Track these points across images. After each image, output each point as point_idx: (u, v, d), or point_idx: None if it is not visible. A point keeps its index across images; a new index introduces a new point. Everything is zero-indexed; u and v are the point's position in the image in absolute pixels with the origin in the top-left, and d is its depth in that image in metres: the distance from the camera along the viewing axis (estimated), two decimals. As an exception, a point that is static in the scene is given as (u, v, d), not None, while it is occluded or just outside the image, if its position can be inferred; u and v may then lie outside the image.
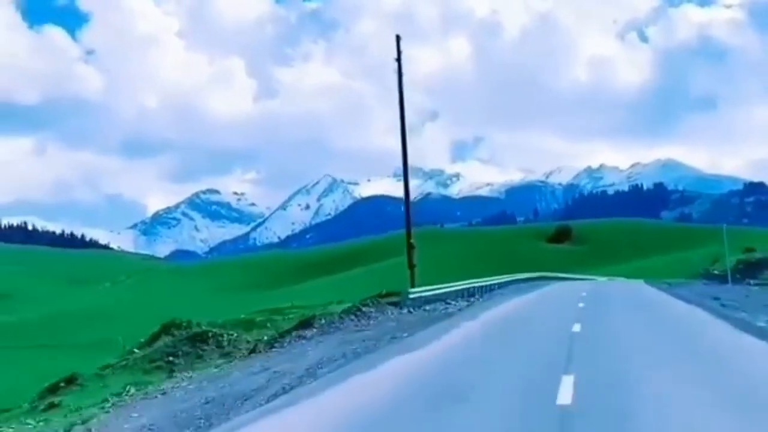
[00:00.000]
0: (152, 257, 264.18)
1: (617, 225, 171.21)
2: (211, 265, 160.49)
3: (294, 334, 23.85)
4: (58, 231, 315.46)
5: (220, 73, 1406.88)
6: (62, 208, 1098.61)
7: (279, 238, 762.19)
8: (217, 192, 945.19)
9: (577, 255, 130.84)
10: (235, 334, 28.30)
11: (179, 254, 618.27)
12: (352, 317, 26.87)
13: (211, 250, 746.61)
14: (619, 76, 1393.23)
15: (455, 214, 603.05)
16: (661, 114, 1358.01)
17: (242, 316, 44.00)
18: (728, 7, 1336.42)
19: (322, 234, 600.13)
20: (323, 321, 25.79)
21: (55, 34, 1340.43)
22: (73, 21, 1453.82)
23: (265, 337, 25.98)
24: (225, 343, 26.70)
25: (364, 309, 28.46)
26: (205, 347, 26.51)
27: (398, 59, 37.22)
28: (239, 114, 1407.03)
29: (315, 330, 24.10)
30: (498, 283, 48.48)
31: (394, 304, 30.05)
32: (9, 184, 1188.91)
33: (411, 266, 35.57)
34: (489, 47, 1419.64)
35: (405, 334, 20.31)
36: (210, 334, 27.53)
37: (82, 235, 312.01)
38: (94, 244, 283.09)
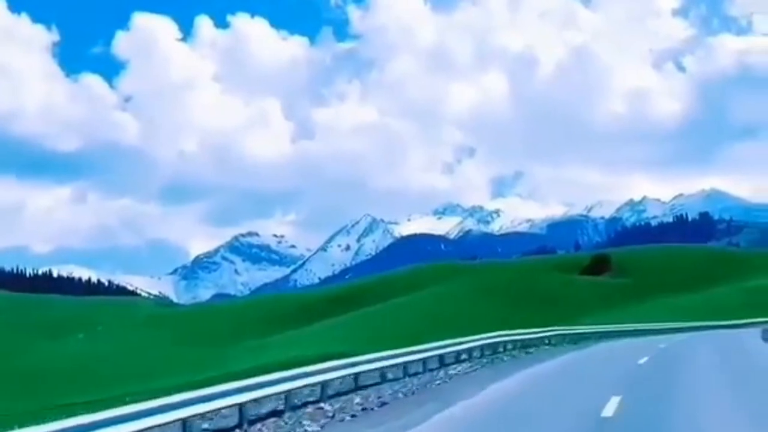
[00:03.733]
0: (168, 302, 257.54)
1: (666, 251, 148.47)
2: (192, 312, 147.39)
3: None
4: (94, 278, 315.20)
5: (256, 115, 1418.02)
6: (103, 255, 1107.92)
7: (319, 278, 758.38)
8: (257, 235, 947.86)
9: (617, 288, 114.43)
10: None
11: (219, 298, 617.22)
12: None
13: (252, 293, 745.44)
14: (657, 107, 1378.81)
15: (496, 251, 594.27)
16: (702, 144, 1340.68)
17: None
18: (765, 35, 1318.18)
19: (363, 274, 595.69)
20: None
21: (92, 81, 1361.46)
22: (109, 68, 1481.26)
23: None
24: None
25: None
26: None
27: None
28: (277, 156, 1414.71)
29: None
30: (508, 342, 34.49)
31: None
32: (49, 233, 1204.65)
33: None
34: (525, 82, 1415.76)
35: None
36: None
37: (109, 282, 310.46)
38: (122, 290, 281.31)
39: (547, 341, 39.81)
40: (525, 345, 36.18)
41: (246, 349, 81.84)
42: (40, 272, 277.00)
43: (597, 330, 51.08)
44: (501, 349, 33.24)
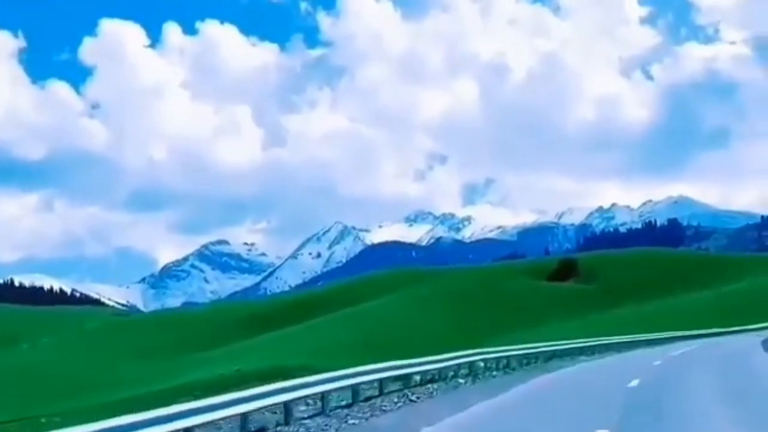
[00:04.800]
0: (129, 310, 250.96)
1: (634, 256, 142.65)
2: (146, 322, 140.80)
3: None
4: (60, 288, 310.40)
5: (226, 122, 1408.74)
6: (70, 264, 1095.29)
7: (290, 286, 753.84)
8: (226, 243, 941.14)
9: (584, 294, 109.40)
10: None
11: (187, 307, 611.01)
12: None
13: (221, 301, 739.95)
14: (626, 115, 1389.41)
15: (467, 258, 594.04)
16: (670, 151, 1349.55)
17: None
18: (732, 43, 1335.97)
19: (333, 282, 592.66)
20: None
21: (58, 88, 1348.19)
22: (77, 75, 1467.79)
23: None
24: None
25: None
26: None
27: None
28: (248, 163, 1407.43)
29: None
30: (478, 361, 29.50)
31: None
32: (15, 242, 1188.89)
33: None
34: (496, 89, 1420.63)
35: None
36: None
37: (72, 291, 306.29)
38: (88, 300, 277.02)
39: (504, 364, 32.11)
40: (480, 368, 29.34)
41: (192, 362, 78.02)
42: (0, 281, 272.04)
43: (570, 345, 43.19)
44: (446, 376, 26.41)
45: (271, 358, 56.91)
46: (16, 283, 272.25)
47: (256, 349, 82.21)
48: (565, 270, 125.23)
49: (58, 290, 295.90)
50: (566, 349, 41.59)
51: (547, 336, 55.35)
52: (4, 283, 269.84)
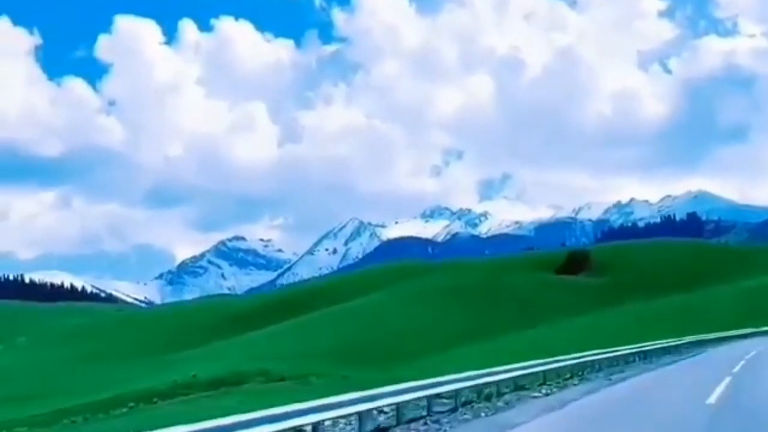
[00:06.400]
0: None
1: (650, 247, 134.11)
2: (135, 319, 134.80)
3: None
4: (80, 284, 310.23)
5: (242, 118, 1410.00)
6: (89, 260, 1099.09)
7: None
8: (243, 239, 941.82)
9: (595, 290, 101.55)
10: None
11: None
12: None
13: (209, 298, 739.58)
14: (644, 109, 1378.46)
15: (483, 253, 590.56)
16: (689, 146, 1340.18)
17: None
18: (751, 36, 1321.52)
19: (328, 278, 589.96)
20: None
21: (75, 85, 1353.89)
22: (93, 72, 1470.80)
23: None
24: None
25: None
26: None
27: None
28: (264, 159, 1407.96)
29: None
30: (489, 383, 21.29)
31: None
32: (34, 239, 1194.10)
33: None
34: (512, 84, 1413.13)
35: None
36: None
37: (83, 287, 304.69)
38: (100, 297, 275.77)
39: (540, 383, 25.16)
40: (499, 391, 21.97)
41: (159, 364, 73.36)
42: (19, 278, 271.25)
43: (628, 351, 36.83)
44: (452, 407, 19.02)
45: (235, 363, 53.27)
46: (26, 280, 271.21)
47: (230, 350, 77.91)
48: (576, 263, 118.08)
49: (69, 286, 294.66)
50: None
51: (549, 335, 51.74)
52: (14, 279, 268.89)
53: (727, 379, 24.94)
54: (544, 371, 25.30)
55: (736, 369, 29.98)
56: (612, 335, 56.70)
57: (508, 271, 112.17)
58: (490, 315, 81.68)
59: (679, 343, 47.93)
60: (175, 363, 70.13)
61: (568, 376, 28.18)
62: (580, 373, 29.33)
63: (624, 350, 36.71)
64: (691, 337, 52.85)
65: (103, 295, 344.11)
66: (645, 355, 39.28)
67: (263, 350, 70.49)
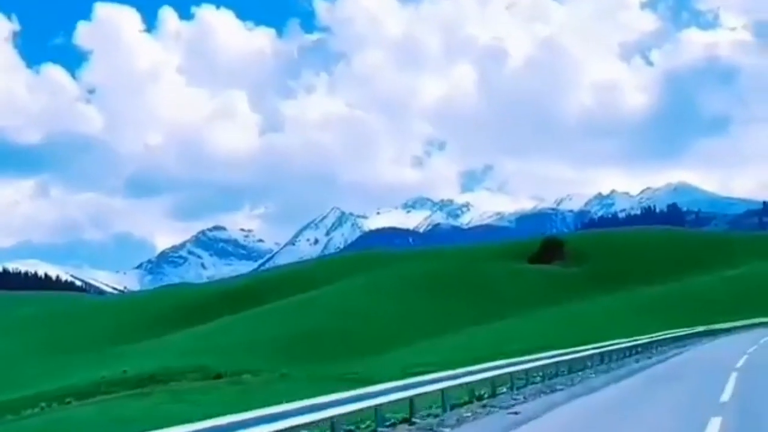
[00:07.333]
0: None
1: (628, 236, 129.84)
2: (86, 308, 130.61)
3: None
4: (55, 274, 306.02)
5: (223, 107, 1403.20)
6: (67, 250, 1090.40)
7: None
8: (223, 229, 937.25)
9: (567, 279, 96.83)
10: None
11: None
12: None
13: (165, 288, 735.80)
14: (626, 101, 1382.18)
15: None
16: (670, 138, 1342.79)
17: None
18: (732, 29, 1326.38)
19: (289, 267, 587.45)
20: None
21: (54, 73, 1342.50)
22: (72, 59, 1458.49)
23: None
24: None
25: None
26: None
27: None
28: (245, 149, 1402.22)
29: None
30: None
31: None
32: (11, 227, 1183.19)
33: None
34: (495, 74, 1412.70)
35: None
36: None
37: (57, 277, 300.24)
38: (69, 286, 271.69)
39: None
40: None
41: (94, 358, 69.69)
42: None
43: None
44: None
45: (174, 358, 50.49)
46: (0, 269, 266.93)
47: (175, 343, 74.90)
48: (549, 251, 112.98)
49: (43, 275, 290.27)
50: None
51: (517, 326, 49.04)
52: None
53: (717, 421, 14.18)
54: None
55: (725, 396, 18.43)
56: (579, 329, 53.42)
57: (483, 260, 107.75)
58: (459, 305, 79.02)
59: (651, 340, 41.92)
60: (117, 356, 67.13)
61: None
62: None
63: (578, 352, 29.24)
64: (667, 332, 47.02)
65: (78, 284, 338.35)
66: (603, 358, 31.78)
67: (210, 343, 67.66)
